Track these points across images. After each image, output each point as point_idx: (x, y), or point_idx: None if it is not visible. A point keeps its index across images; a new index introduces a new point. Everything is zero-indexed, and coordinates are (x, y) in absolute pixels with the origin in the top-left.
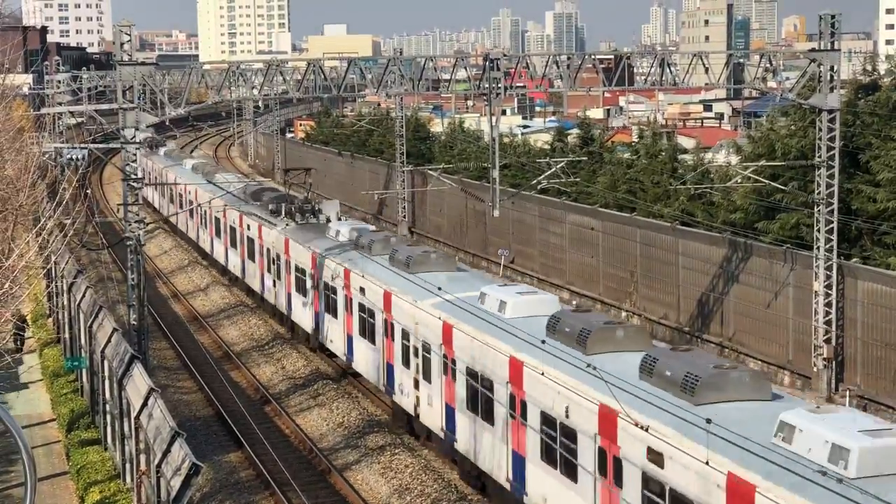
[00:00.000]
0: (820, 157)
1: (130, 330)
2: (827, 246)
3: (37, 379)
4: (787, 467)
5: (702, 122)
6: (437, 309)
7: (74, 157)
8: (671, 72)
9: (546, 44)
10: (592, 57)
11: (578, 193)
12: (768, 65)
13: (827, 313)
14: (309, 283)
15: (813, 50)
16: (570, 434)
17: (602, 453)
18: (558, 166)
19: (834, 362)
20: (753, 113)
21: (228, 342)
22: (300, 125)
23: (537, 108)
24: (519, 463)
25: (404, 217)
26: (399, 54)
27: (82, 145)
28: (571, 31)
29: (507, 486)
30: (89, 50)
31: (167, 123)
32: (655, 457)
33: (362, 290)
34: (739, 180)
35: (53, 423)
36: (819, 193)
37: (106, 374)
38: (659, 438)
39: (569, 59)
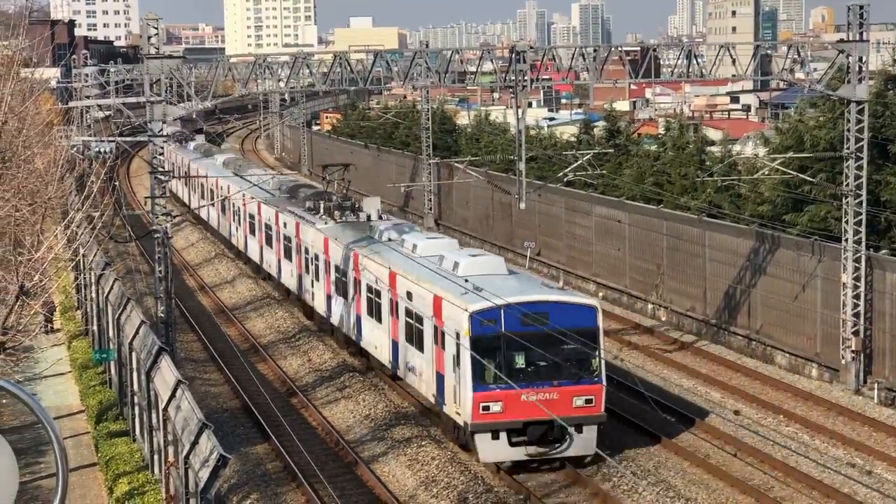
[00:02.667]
0: (848, 148)
1: (158, 322)
2: (855, 238)
3: (65, 371)
4: (450, 285)
5: (729, 114)
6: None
7: (102, 150)
8: (698, 63)
9: (572, 36)
10: (619, 49)
11: (605, 186)
12: (796, 56)
13: (855, 305)
14: (351, 285)
15: (841, 41)
16: (419, 318)
17: (436, 328)
18: (584, 158)
19: (862, 355)
20: (781, 104)
21: (255, 334)
22: (326, 118)
23: (563, 101)
24: (395, 346)
25: (430, 209)
26: (425, 47)
27: (110, 138)
28: (597, 23)
29: (388, 363)
30: (116, 44)
31: (194, 116)
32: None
33: (409, 294)
34: (767, 172)
35: (82, 414)
36: (847, 185)
37: (134, 365)
38: (449, 302)
39: (595, 51)
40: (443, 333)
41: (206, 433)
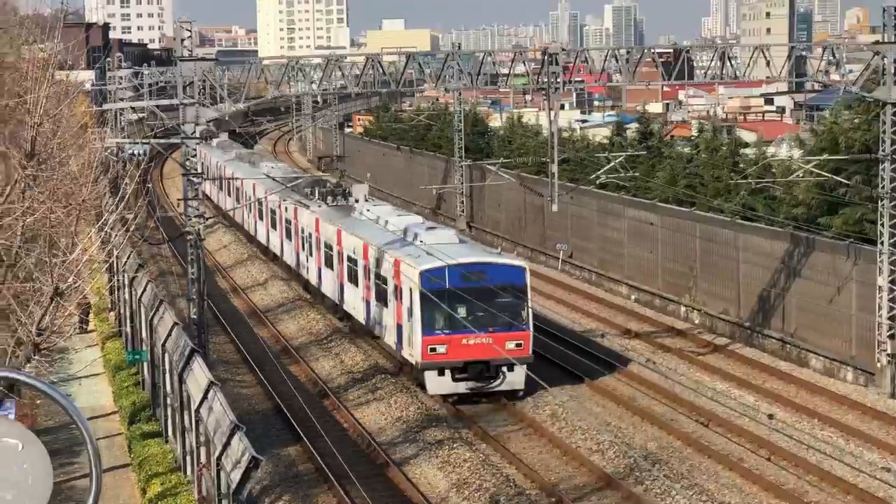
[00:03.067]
0: (884, 150)
1: (190, 324)
2: (891, 241)
3: (99, 371)
4: (407, 250)
5: (763, 116)
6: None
7: (136, 152)
8: (732, 65)
9: (605, 38)
10: (652, 51)
11: (637, 188)
12: (831, 57)
13: (891, 308)
14: (335, 257)
15: (877, 42)
16: (384, 279)
17: (395, 286)
18: (617, 161)
19: None
20: (816, 106)
21: (287, 336)
22: (359, 120)
23: (596, 103)
24: (367, 305)
25: (462, 212)
26: (457, 49)
27: (143, 140)
28: (630, 25)
29: (363, 321)
30: (150, 46)
31: (226, 118)
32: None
33: (377, 261)
34: (801, 174)
35: (115, 415)
36: (882, 187)
37: (166, 367)
38: (405, 263)
39: (628, 53)
40: (400, 290)
41: (238, 435)
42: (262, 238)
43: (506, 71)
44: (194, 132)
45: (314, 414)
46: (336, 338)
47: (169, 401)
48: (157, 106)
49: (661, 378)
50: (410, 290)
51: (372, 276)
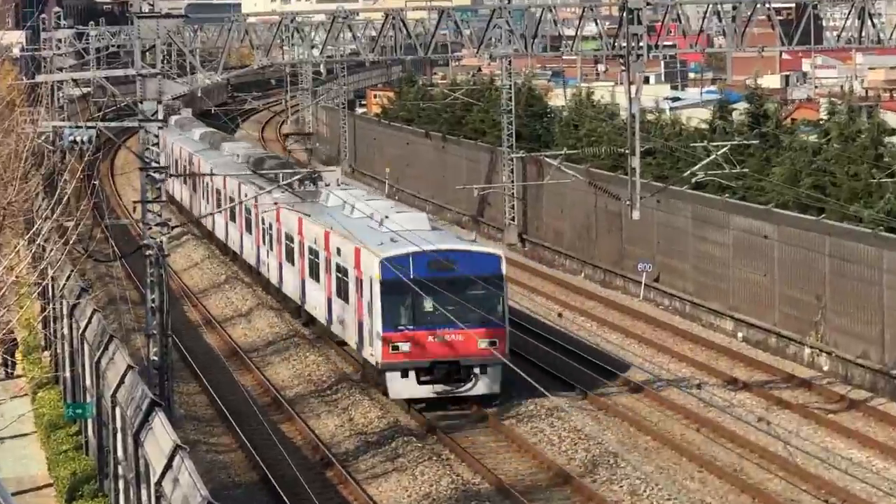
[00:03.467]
0: None
1: (150, 367)
2: None
3: (29, 431)
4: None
5: None
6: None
7: (79, 139)
8: (874, 25)
9: None
10: (767, 6)
11: (747, 189)
12: None
13: None
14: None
15: None
16: (345, 271)
17: (357, 278)
18: (719, 153)
19: None
20: None
21: (278, 385)
22: (375, 97)
23: (691, 75)
24: (329, 302)
25: (512, 219)
26: (507, 2)
27: (89, 124)
28: None
29: (324, 321)
30: None
31: (199, 94)
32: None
33: (338, 250)
34: None
35: (50, 489)
36: None
37: (118, 425)
38: (366, 251)
39: (734, 8)
40: (361, 282)
41: None
42: (220, 234)
43: (571, 32)
44: (156, 113)
45: (314, 489)
46: (343, 387)
47: (121, 470)
48: (108, 78)
49: (778, 444)
50: (371, 280)
51: (333, 269)
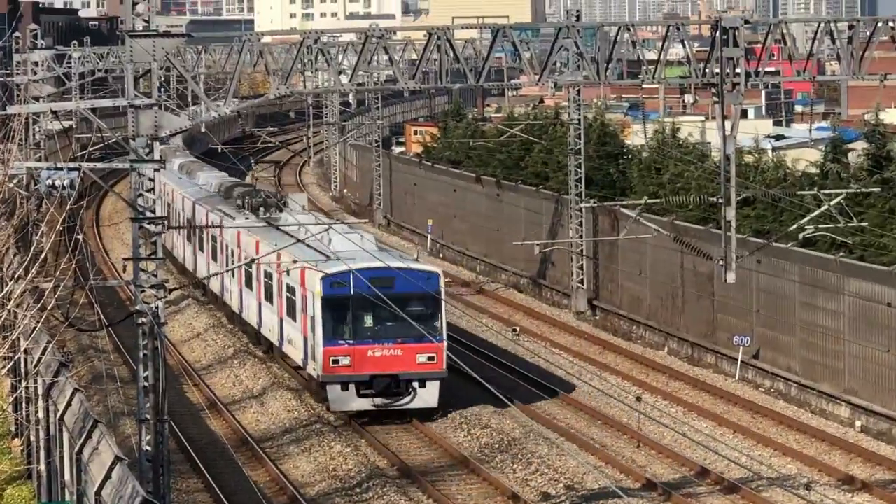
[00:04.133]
0: None
1: (142, 459)
2: None
3: None
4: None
5: None
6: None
7: (58, 183)
8: None
9: (813, 4)
10: (890, 25)
11: (866, 247)
12: None
13: None
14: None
15: None
16: (293, 290)
17: (302, 296)
18: (833, 203)
19: None
20: None
21: (297, 481)
22: (415, 133)
23: (798, 108)
24: (280, 323)
25: (581, 282)
26: (575, 19)
27: (71, 165)
28: None
29: (276, 342)
30: (83, 14)
31: (202, 129)
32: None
33: (288, 271)
34: None
35: None
36: None
37: None
38: (309, 269)
39: (851, 27)
40: (306, 300)
41: None
42: (188, 264)
43: (653, 56)
44: (151, 151)
45: None
46: (375, 485)
47: None
48: (93, 109)
49: None
50: (313, 297)
51: (284, 290)
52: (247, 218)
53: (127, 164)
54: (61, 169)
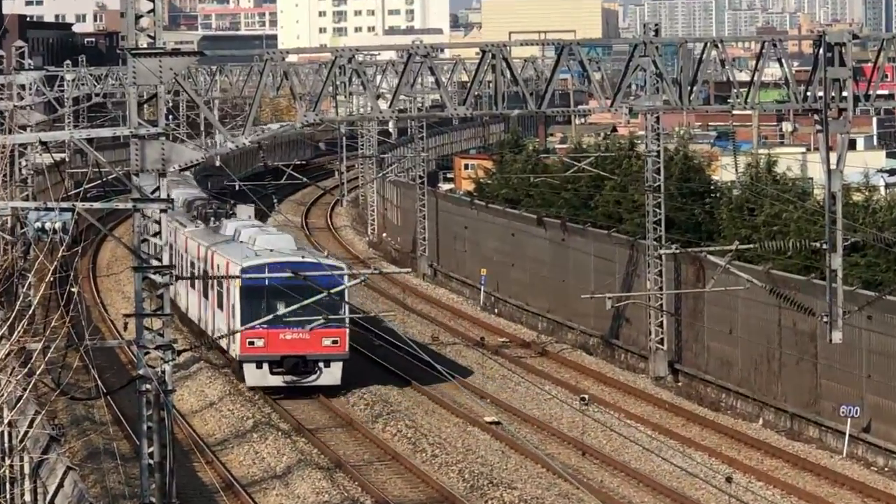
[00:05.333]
0: None
1: None
2: None
3: None
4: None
5: None
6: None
7: (49, 225)
8: None
9: None
10: None
11: None
12: None
13: None
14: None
15: None
16: (221, 283)
17: (227, 288)
18: None
19: None
20: None
21: None
22: (466, 167)
23: None
24: (214, 315)
25: (661, 342)
26: (653, 34)
27: (63, 205)
28: None
29: (211, 332)
30: (77, 29)
31: (217, 164)
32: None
33: (218, 267)
34: None
35: None
36: None
37: None
38: (232, 263)
39: None
40: (229, 290)
41: None
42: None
43: (746, 77)
44: (158, 189)
45: None
46: None
47: None
48: (89, 140)
49: None
50: (233, 286)
51: (215, 283)
52: (196, 226)
53: (129, 204)
54: (52, 209)
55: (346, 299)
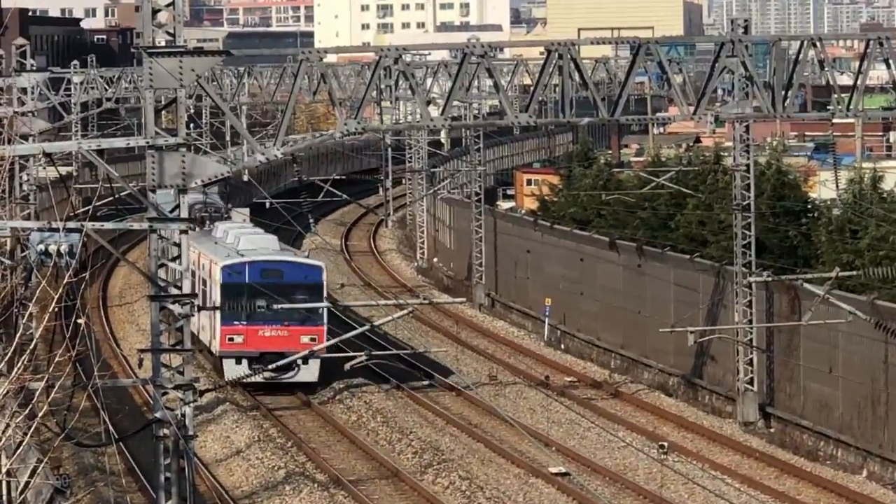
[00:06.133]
0: None
1: None
2: None
3: None
4: (224, 251)
5: None
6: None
7: (54, 248)
8: None
9: None
10: None
11: None
12: None
13: None
14: None
15: None
16: (205, 282)
17: (210, 286)
18: None
19: None
20: None
21: None
22: (528, 183)
23: None
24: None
25: (750, 382)
26: (742, 31)
27: (70, 224)
28: None
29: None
30: (86, 25)
31: (246, 178)
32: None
33: (203, 265)
34: None
35: None
36: None
37: None
38: (213, 263)
39: None
40: (212, 288)
41: None
42: None
43: (848, 80)
44: (176, 208)
45: None
46: None
47: None
48: (100, 151)
49: None
50: (214, 285)
51: (199, 283)
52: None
53: (144, 225)
54: (57, 230)
55: (325, 297)
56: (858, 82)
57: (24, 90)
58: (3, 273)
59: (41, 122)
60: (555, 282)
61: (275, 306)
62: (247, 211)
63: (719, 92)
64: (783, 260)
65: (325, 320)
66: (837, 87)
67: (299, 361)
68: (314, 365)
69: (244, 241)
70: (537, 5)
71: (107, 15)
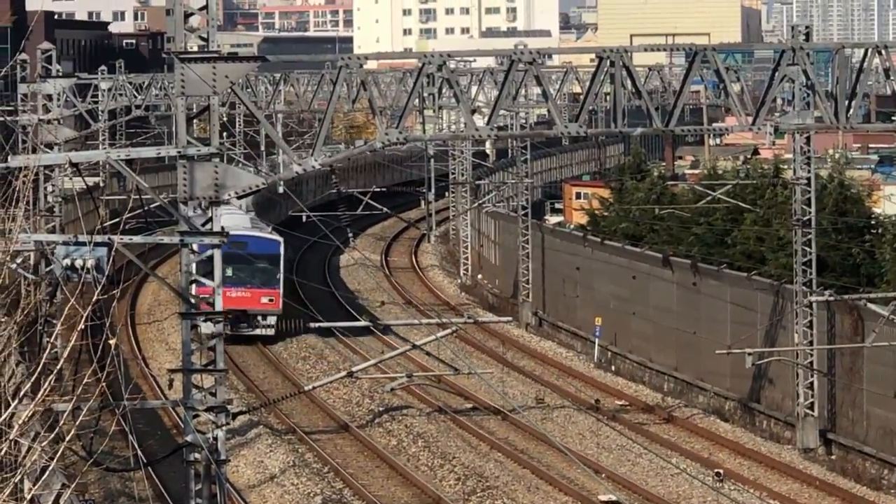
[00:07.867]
0: None
1: None
2: None
3: None
4: None
5: None
6: None
7: (80, 263)
8: None
9: None
10: None
11: None
12: None
13: None
14: None
15: None
16: None
17: None
18: None
19: None
20: None
21: None
22: (577, 196)
23: None
24: None
25: (810, 407)
26: (804, 38)
27: (97, 238)
28: None
29: None
30: (114, 29)
31: (282, 190)
32: None
33: None
34: None
35: None
36: None
37: None
38: None
39: None
40: None
41: None
42: None
43: None
44: (210, 220)
45: None
46: None
47: None
48: (129, 162)
49: None
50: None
51: None
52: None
53: (175, 238)
54: (84, 244)
55: (281, 265)
56: None
57: (49, 97)
58: (26, 289)
59: (67, 130)
60: (605, 300)
61: (238, 271)
62: (245, 200)
63: (779, 101)
64: (845, 278)
65: (282, 284)
66: None
67: (259, 318)
68: (271, 320)
69: (223, 218)
70: (588, 10)
71: (136, 18)
